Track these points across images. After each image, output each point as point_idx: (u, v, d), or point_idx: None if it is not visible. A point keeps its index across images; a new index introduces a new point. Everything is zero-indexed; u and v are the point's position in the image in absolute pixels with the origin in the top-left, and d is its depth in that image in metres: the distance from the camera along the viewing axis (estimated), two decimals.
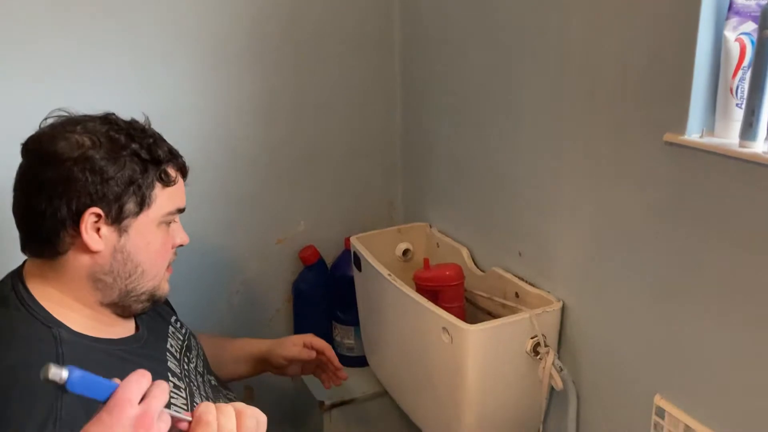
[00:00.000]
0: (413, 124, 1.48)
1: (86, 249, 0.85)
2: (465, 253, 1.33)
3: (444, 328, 1.06)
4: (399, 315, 1.21)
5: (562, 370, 1.05)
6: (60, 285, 0.87)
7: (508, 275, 1.20)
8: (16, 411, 0.74)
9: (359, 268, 1.34)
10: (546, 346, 1.05)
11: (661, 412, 0.92)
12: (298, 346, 1.20)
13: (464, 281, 1.22)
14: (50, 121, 0.88)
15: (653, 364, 0.94)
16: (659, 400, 0.93)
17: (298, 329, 1.55)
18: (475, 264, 1.32)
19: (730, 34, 0.79)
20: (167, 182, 0.90)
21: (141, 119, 0.93)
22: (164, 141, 0.93)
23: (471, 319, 1.06)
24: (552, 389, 1.09)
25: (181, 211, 0.95)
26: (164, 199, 0.90)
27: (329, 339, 1.50)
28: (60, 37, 1.18)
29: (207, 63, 1.30)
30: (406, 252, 1.44)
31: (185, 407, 0.92)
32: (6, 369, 0.78)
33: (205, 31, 1.29)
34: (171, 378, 0.95)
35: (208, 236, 1.38)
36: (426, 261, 1.28)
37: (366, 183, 1.55)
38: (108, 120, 0.88)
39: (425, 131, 1.44)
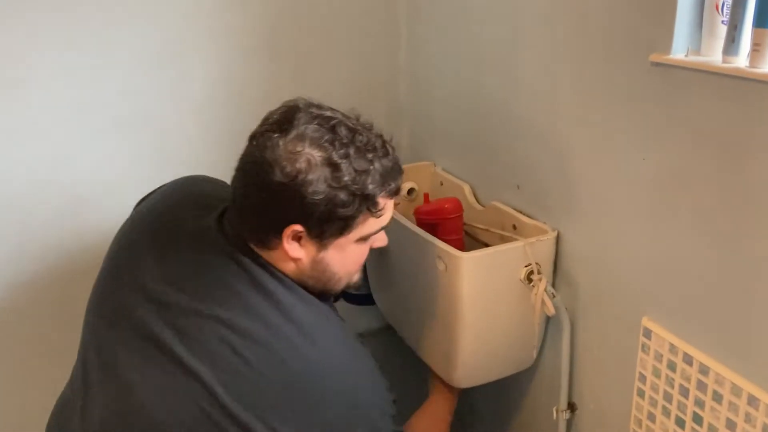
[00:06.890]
0: (418, 66, 1.48)
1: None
2: (467, 189, 1.34)
3: (438, 257, 1.09)
4: (400, 248, 1.23)
5: (554, 296, 1.07)
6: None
7: (507, 208, 1.21)
8: None
9: None
10: (539, 273, 1.07)
11: (648, 333, 0.94)
12: None
13: (463, 214, 1.24)
14: (282, 111, 0.89)
15: (641, 287, 0.96)
16: (647, 322, 0.95)
17: None
18: (477, 200, 1.33)
19: None
20: (375, 214, 0.90)
21: None
22: (387, 156, 0.91)
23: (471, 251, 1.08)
24: (547, 317, 1.11)
25: (384, 228, 0.95)
26: (369, 224, 0.91)
27: None
28: None
29: (210, 6, 1.32)
30: (410, 191, 1.46)
31: None
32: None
33: None
34: None
35: (216, 176, 1.41)
36: (426, 196, 1.30)
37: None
38: (334, 134, 0.86)
39: (429, 72, 1.44)
